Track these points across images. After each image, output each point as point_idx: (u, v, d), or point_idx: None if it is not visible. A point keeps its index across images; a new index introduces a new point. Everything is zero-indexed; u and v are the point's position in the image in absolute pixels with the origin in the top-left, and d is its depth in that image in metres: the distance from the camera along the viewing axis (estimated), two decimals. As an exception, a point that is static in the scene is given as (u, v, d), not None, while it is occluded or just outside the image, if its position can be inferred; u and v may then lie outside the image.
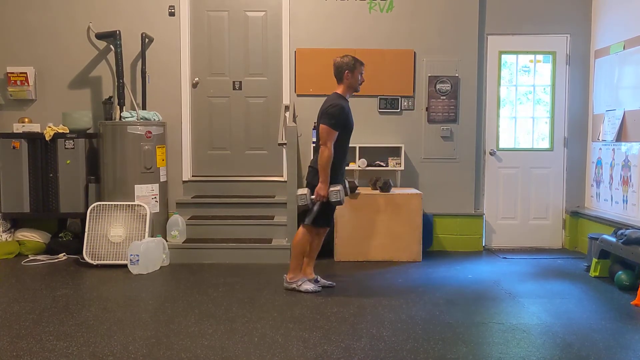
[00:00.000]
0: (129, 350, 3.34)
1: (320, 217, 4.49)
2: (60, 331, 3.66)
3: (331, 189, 4.39)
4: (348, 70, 4.50)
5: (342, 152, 4.52)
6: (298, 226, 4.80)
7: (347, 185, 4.69)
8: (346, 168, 6.07)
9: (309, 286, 4.58)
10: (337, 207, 5.63)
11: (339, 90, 4.56)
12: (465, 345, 3.47)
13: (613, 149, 5.84)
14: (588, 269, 5.31)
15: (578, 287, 4.85)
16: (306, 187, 4.58)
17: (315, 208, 4.44)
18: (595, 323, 3.92)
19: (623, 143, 5.64)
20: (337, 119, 4.37)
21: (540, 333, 3.71)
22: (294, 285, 4.59)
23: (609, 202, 5.91)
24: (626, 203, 5.59)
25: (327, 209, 4.52)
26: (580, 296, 4.59)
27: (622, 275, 4.74)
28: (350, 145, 6.07)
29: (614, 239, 4.87)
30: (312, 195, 4.45)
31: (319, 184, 4.39)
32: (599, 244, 5.08)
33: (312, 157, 4.63)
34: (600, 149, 6.11)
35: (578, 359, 3.29)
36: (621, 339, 3.63)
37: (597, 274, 5.12)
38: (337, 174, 4.48)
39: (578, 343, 3.53)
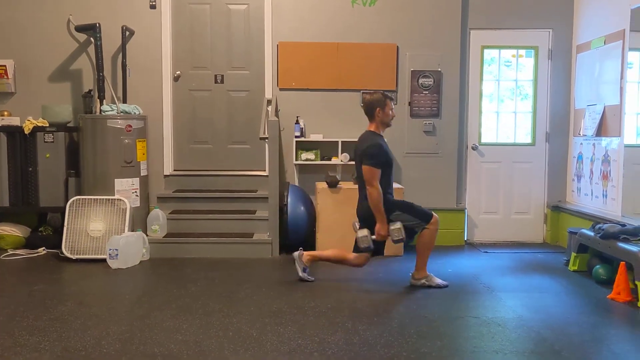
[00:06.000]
0: (102, 345, 3.32)
1: (418, 218, 4.54)
2: (34, 326, 3.63)
3: (391, 227, 4.44)
4: (379, 107, 4.56)
5: (387, 185, 4.56)
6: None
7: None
8: (329, 162, 6.15)
9: (438, 281, 4.63)
10: (319, 203, 5.70)
11: (372, 127, 4.62)
12: (440, 339, 3.48)
13: (593, 144, 5.87)
14: (568, 263, 5.34)
15: (557, 281, 4.88)
16: (359, 222, 4.61)
17: (408, 222, 4.48)
18: (571, 317, 3.94)
19: (603, 138, 5.67)
20: (377, 157, 4.44)
21: (515, 327, 3.72)
22: (424, 281, 4.61)
23: (590, 197, 5.94)
24: (606, 197, 5.62)
25: (411, 212, 4.55)
26: (558, 290, 4.62)
27: (599, 269, 4.77)
28: (332, 139, 6.18)
29: (592, 234, 4.89)
30: (373, 235, 4.48)
31: (378, 224, 4.45)
32: (578, 238, 5.10)
33: (359, 197, 4.68)
34: (582, 143, 6.14)
35: (551, 353, 3.31)
36: (596, 333, 3.65)
37: (576, 268, 5.15)
38: (388, 204, 4.50)
39: (552, 337, 3.54)
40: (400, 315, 3.91)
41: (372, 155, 4.43)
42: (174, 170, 6.34)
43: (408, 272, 4.75)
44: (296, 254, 4.75)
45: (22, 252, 5.65)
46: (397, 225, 4.44)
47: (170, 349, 3.28)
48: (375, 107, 4.57)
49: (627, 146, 5.39)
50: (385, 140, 4.67)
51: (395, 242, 4.52)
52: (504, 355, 3.26)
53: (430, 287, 4.59)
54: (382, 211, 4.42)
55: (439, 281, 4.64)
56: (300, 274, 4.70)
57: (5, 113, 6.01)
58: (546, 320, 3.86)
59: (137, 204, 5.75)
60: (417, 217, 4.55)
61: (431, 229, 4.58)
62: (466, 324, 3.81)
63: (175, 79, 6.30)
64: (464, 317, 3.93)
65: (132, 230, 5.46)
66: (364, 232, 4.50)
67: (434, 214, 4.63)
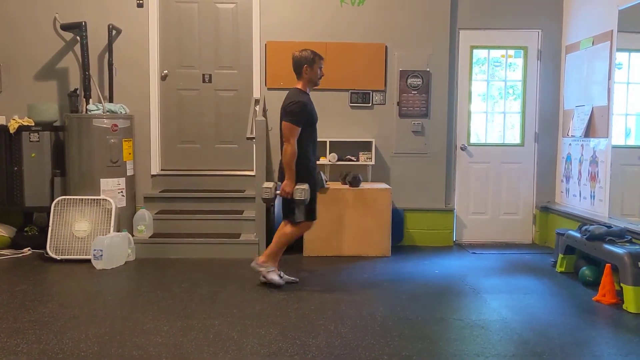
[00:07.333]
0: (80, 348, 3.28)
1: (306, 210, 4.45)
2: (13, 328, 3.59)
3: (297, 186, 4.36)
4: (307, 64, 4.48)
5: (311, 145, 4.50)
6: (279, 220, 4.72)
7: (322, 177, 4.60)
8: (317, 162, 6.10)
9: (275, 277, 4.51)
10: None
11: (299, 85, 4.55)
12: (421, 342, 3.45)
13: (582, 145, 5.85)
14: (555, 264, 5.32)
15: (543, 282, 4.86)
16: (278, 181, 4.55)
17: (298, 205, 4.38)
18: (555, 319, 3.92)
19: (591, 139, 5.65)
20: (298, 115, 4.35)
21: (498, 329, 3.70)
22: (262, 269, 4.52)
23: (578, 198, 5.92)
24: (593, 199, 5.60)
25: (311, 202, 4.46)
26: (544, 292, 4.60)
27: (586, 271, 4.75)
28: (321, 139, 6.10)
29: (578, 235, 4.88)
30: (278, 190, 4.43)
31: (285, 181, 4.38)
32: (565, 239, 5.09)
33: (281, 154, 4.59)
34: (570, 144, 6.12)
35: (532, 355, 3.29)
36: (578, 335, 3.63)
37: (563, 269, 5.14)
38: (308, 169, 4.44)
39: (534, 339, 3.52)
40: (383, 317, 3.89)
41: (293, 112, 4.34)
42: (161, 170, 6.30)
43: (393, 274, 4.72)
44: (259, 269, 4.55)
45: (7, 252, 5.60)
46: (304, 186, 4.33)
47: (149, 351, 3.25)
48: (303, 64, 4.48)
49: (614, 147, 5.37)
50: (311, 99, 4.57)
51: (297, 201, 4.33)
52: (485, 358, 3.24)
53: (266, 280, 4.47)
54: (294, 169, 4.33)
55: (276, 279, 4.47)
56: (279, 280, 4.54)
57: (-9, 112, 5.98)
58: (530, 322, 3.84)
59: (123, 204, 5.71)
60: (307, 209, 4.44)
61: (298, 229, 4.48)
62: (449, 326, 3.78)
63: (163, 78, 6.26)
64: (447, 319, 3.91)
65: (118, 231, 5.42)
66: (269, 184, 4.48)
67: (314, 221, 4.56)
